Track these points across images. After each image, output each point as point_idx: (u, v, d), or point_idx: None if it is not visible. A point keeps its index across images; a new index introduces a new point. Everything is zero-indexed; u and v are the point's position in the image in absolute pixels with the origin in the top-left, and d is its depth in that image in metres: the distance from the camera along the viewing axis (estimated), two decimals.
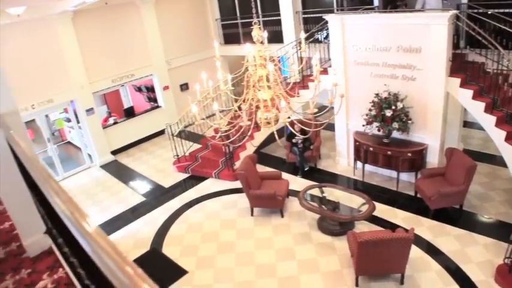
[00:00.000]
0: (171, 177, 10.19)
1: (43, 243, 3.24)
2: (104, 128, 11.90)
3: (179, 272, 6.66)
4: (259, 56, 4.55)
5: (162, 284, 6.23)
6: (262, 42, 4.57)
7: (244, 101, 4.93)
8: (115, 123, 12.34)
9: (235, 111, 5.25)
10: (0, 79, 2.90)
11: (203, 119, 4.68)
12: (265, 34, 4.65)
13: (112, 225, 8.34)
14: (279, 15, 11.23)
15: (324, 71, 8.53)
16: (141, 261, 7.04)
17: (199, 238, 7.56)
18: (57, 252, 3.10)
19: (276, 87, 4.60)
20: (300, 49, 8.36)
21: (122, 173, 10.97)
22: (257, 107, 4.89)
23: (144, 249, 7.39)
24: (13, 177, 3.00)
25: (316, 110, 4.30)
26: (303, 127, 5.22)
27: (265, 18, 11.67)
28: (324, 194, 7.55)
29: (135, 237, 7.81)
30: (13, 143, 2.17)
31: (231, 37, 13.45)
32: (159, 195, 9.42)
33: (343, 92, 7.69)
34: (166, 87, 13.01)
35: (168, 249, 7.31)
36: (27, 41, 9.72)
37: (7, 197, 3.19)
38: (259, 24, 4.57)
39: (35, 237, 3.23)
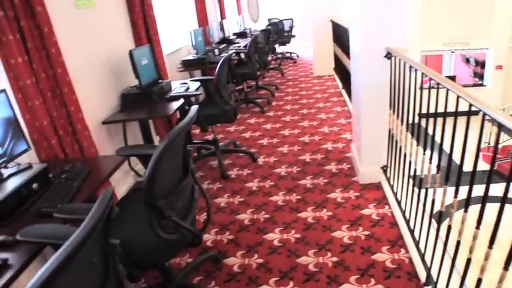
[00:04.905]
0: (472, 163, 9.32)
1: (376, 176, 3.48)
2: (418, 88, 11.79)
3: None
4: None
5: None
6: None
7: None
8: (432, 87, 11.97)
9: None
10: (404, 19, 3.06)
11: None
12: None
13: None
14: None
15: None
16: None
17: (481, 236, 6.82)
18: (388, 191, 3.28)
19: None
20: None
21: (421, 135, 10.80)
22: None
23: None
24: (382, 108, 3.26)
25: None
26: None
27: None
28: None
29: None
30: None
31: None
32: (452, 174, 8.86)
33: None
34: (499, 67, 11.63)
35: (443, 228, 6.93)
36: None
37: (366, 128, 3.44)
38: None
39: (371, 168, 3.50)
